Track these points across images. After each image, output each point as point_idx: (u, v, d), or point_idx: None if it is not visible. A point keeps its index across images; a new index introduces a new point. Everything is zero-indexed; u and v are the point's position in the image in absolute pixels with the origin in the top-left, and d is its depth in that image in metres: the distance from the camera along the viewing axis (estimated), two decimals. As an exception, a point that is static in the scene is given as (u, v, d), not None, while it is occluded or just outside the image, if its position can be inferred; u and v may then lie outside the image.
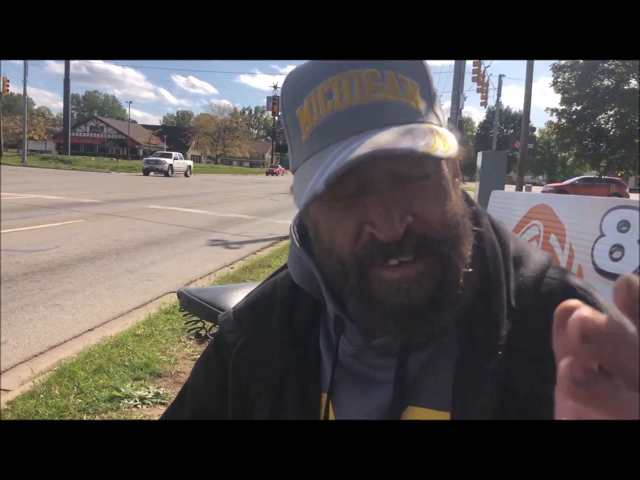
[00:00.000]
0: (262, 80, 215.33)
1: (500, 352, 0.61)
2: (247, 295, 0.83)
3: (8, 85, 39.35)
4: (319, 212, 0.63)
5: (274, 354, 0.73)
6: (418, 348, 0.65)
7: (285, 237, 10.87)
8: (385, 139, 0.53)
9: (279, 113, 0.67)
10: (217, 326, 0.81)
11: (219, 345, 0.80)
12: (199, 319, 1.68)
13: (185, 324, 1.78)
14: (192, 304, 1.57)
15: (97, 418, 3.10)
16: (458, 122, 17.44)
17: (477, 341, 0.63)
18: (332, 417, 0.69)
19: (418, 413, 0.64)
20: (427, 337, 0.64)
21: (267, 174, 63.94)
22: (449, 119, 0.73)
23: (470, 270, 0.63)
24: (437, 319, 0.61)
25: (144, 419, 3.13)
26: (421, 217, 0.59)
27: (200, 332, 1.70)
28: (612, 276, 2.54)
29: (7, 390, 3.41)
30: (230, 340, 0.77)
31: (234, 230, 11.24)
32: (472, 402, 0.61)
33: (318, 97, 0.59)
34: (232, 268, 7.36)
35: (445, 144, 0.55)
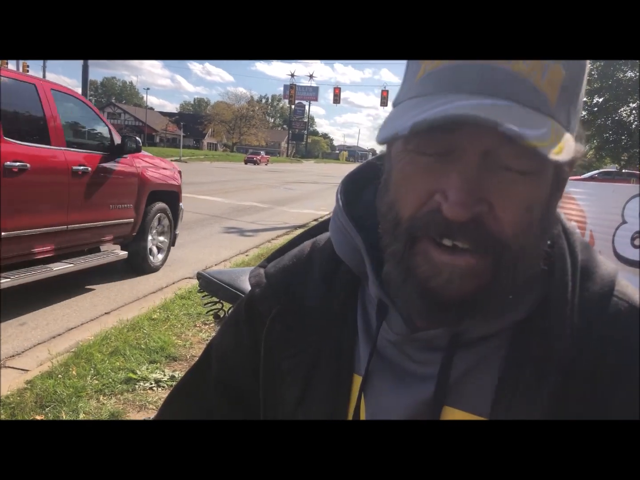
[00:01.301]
0: (279, 68, 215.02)
1: (555, 377, 0.57)
2: (279, 255, 0.78)
3: (28, 71, 39.61)
4: (399, 160, 0.57)
5: (309, 328, 0.69)
6: (464, 347, 0.61)
7: (300, 227, 10.88)
8: (496, 111, 0.47)
9: None
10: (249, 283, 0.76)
11: (251, 311, 0.76)
12: (217, 300, 1.69)
13: (204, 305, 1.78)
14: (212, 285, 1.57)
15: (114, 399, 3.14)
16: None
17: (531, 355, 0.58)
18: (362, 404, 0.66)
19: (454, 415, 0.61)
20: (473, 339, 0.61)
21: (245, 162, 51.67)
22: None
23: (530, 279, 0.58)
24: (469, 321, 0.57)
25: (159, 401, 3.17)
26: (498, 212, 0.53)
27: (218, 313, 1.71)
28: (633, 263, 2.51)
29: (26, 370, 3.46)
30: (263, 308, 0.73)
31: (249, 218, 11.27)
32: (514, 413, 0.58)
33: None
34: (247, 255, 7.39)
35: (559, 145, 0.48)
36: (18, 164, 4.04)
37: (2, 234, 3.91)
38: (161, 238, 6.23)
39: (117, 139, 5.45)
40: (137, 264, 5.89)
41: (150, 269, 6.01)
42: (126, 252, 5.62)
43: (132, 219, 5.60)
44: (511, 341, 0.60)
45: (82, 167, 4.75)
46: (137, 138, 5.74)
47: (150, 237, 5.94)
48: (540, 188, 0.55)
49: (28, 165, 4.13)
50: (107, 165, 5.19)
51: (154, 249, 6.11)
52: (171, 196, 6.26)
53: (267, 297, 0.73)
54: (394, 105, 0.58)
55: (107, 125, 5.47)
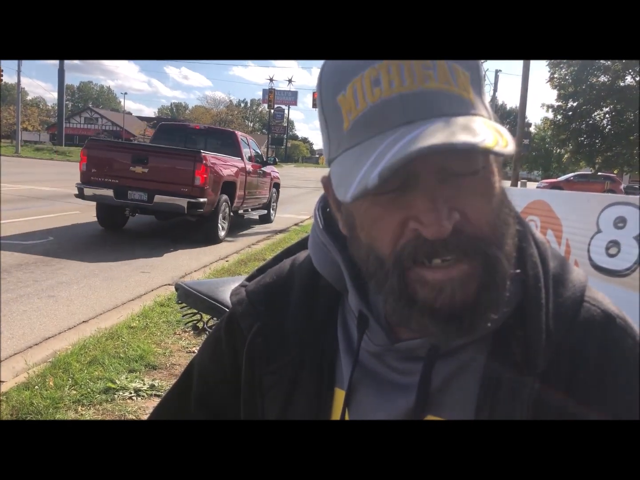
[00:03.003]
0: (256, 72, 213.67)
1: (535, 380, 0.59)
2: (259, 274, 0.79)
3: (2, 75, 38.94)
4: (359, 206, 0.59)
5: (290, 344, 0.70)
6: (445, 356, 0.62)
7: (280, 231, 10.87)
8: (441, 132, 0.50)
9: (317, 99, 0.62)
10: (230, 302, 0.78)
11: (232, 328, 0.76)
12: (196, 311, 1.68)
13: (183, 316, 1.77)
14: (190, 297, 1.56)
15: (92, 410, 3.10)
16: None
17: (510, 361, 0.61)
18: (346, 415, 0.67)
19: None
20: (452, 348, 0.62)
21: None
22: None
23: (508, 284, 0.60)
24: (481, 322, 0.58)
25: (138, 410, 3.13)
26: (468, 215, 0.55)
27: (197, 324, 1.70)
28: (607, 272, 2.55)
29: (2, 382, 3.40)
30: (244, 324, 0.74)
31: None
32: (497, 419, 0.60)
33: (364, 84, 0.55)
34: (227, 261, 7.36)
35: (502, 138, 0.51)
36: (248, 169, 10.18)
37: (249, 197, 10.39)
38: (275, 206, 12.82)
39: (264, 157, 11.96)
40: (266, 218, 12.07)
41: (270, 220, 12.24)
42: (266, 210, 11.90)
43: (267, 195, 11.89)
44: (490, 349, 0.62)
45: (258, 170, 10.93)
46: (275, 158, 12.81)
47: (272, 205, 12.35)
48: (492, 179, 0.58)
49: (251, 169, 10.36)
50: (262, 169, 11.27)
51: (272, 211, 12.40)
52: (278, 186, 12.82)
53: (248, 314, 0.74)
54: (329, 162, 0.60)
55: (258, 150, 11.91)
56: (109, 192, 8.25)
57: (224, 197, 9.05)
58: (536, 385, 0.59)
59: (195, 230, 9.04)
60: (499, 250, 0.57)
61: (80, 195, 8.44)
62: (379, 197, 0.56)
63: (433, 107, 0.53)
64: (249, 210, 11.05)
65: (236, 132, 11.12)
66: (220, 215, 9.02)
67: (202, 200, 8.24)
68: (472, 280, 0.56)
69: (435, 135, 0.49)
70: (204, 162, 8.26)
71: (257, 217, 11.93)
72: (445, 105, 0.53)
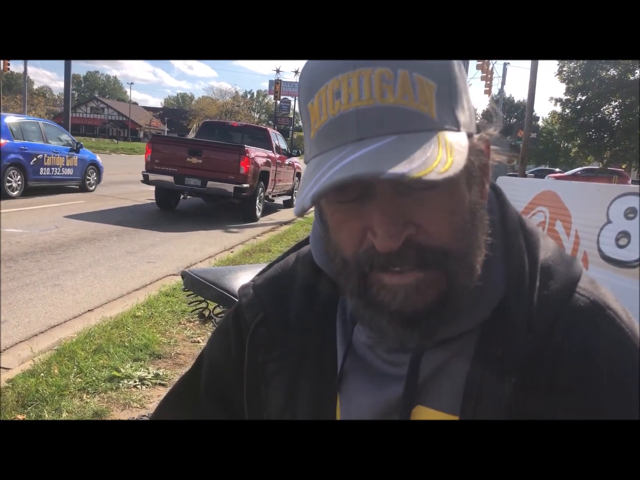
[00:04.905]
0: (262, 63, 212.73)
1: (514, 376, 0.60)
2: (268, 269, 0.82)
3: (9, 64, 38.97)
4: (327, 210, 0.61)
5: (292, 333, 0.73)
6: (433, 348, 0.63)
7: (285, 223, 10.88)
8: (376, 158, 0.50)
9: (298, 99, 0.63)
10: (237, 298, 0.82)
11: (238, 319, 0.79)
12: (202, 299, 1.67)
13: (189, 304, 1.77)
14: (196, 284, 1.56)
15: (97, 397, 3.11)
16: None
17: (494, 354, 0.61)
18: (337, 406, 0.69)
19: (426, 414, 0.63)
20: (440, 340, 0.63)
21: None
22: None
23: (490, 279, 0.61)
24: (436, 330, 0.60)
25: (143, 399, 3.14)
26: (426, 227, 0.56)
27: (203, 312, 1.70)
28: (617, 263, 2.54)
29: (8, 369, 3.42)
30: (249, 315, 0.77)
31: (234, 214, 11.21)
32: (483, 411, 0.60)
33: (327, 95, 0.56)
34: (232, 252, 7.37)
35: (448, 160, 0.50)
36: (277, 161, 12.06)
37: (277, 184, 12.28)
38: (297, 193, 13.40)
39: (288, 150, 13.44)
40: (290, 203, 13.63)
41: (293, 205, 12.71)
42: (290, 197, 13.62)
43: (291, 183, 13.59)
44: (477, 340, 0.63)
45: (285, 162, 12.70)
46: (299, 150, 13.89)
47: (294, 193, 13.51)
48: (455, 192, 0.57)
49: (279, 161, 12.26)
50: (288, 160, 13.10)
51: (294, 197, 12.37)
52: (299, 175, 13.71)
53: (253, 305, 0.77)
54: (305, 163, 0.62)
55: (285, 143, 13.55)
56: (170, 179, 10.18)
57: (261, 183, 10.93)
58: (517, 379, 0.59)
59: (236, 210, 10.96)
60: (459, 262, 0.58)
61: (146, 180, 10.31)
62: (340, 205, 0.58)
63: (385, 124, 0.53)
64: (276, 195, 12.97)
65: (268, 128, 13.58)
66: (258, 199, 10.91)
67: (245, 185, 10.10)
68: (428, 288, 0.57)
69: (369, 162, 0.50)
70: (247, 154, 10.13)
71: (281, 202, 13.97)
72: (398, 121, 0.53)
